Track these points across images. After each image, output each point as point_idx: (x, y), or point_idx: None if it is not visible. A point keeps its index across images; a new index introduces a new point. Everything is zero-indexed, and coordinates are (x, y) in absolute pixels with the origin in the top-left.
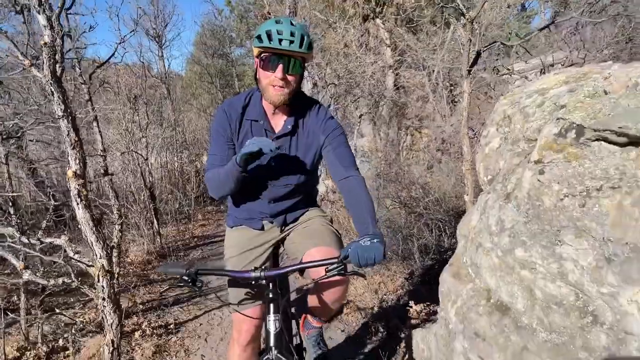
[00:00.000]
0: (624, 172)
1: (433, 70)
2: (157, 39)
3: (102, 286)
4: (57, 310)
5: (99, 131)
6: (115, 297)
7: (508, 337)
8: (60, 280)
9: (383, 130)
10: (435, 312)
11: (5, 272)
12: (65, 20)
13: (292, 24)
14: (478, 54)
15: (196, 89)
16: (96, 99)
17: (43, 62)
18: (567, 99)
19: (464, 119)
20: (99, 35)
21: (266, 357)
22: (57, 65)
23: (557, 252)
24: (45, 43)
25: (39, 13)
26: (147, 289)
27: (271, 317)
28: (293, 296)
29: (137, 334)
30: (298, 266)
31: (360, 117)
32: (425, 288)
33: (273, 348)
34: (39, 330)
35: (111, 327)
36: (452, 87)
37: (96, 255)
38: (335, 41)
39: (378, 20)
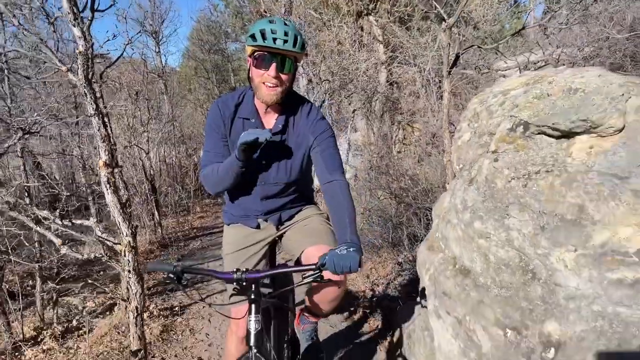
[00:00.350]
0: (556, 159)
1: (425, 67)
2: (154, 34)
3: (128, 260)
4: (67, 295)
5: (109, 126)
6: (138, 269)
7: (468, 294)
8: (92, 255)
9: (376, 124)
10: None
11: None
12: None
13: (285, 23)
14: (457, 57)
15: (192, 84)
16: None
17: (78, 68)
18: (520, 100)
19: (445, 115)
20: (101, 31)
21: (245, 356)
22: (89, 70)
23: (506, 223)
24: (80, 52)
25: (74, 26)
26: (151, 276)
27: (252, 317)
28: (295, 298)
29: (145, 315)
30: (277, 271)
31: (353, 112)
32: (413, 272)
33: (252, 347)
34: (54, 312)
35: (135, 295)
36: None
37: (123, 234)
38: (329, 39)
39: (371, 18)
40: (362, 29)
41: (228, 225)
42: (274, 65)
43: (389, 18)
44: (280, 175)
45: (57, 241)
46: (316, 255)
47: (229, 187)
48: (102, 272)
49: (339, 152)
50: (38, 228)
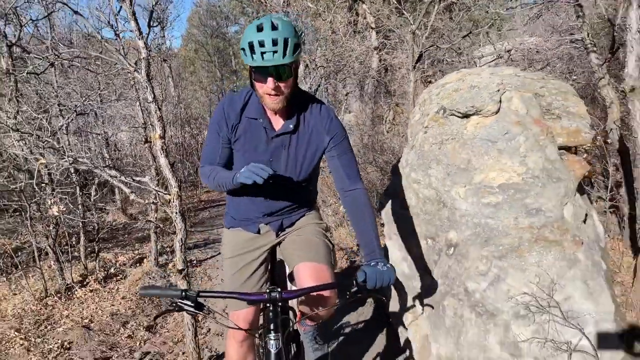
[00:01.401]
0: (458, 131)
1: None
2: (159, 20)
3: (176, 204)
4: (102, 252)
5: (141, 109)
6: (182, 211)
7: (406, 220)
8: (151, 200)
9: (369, 106)
10: None
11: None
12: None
13: (273, 26)
14: (420, 55)
15: (195, 66)
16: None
17: (142, 69)
18: (446, 91)
19: (411, 100)
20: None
21: None
22: (149, 70)
23: (428, 172)
24: (143, 57)
25: (139, 39)
26: (169, 237)
27: (271, 336)
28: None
29: (169, 265)
30: (313, 290)
31: (346, 95)
32: None
33: None
34: (97, 262)
35: (180, 230)
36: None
37: (171, 186)
38: (324, 29)
39: (364, 5)
40: (357, 14)
41: (228, 228)
42: (270, 79)
43: (382, 2)
44: (290, 175)
45: (129, 191)
46: (309, 274)
47: (228, 191)
48: (126, 235)
49: (354, 156)
50: (113, 180)
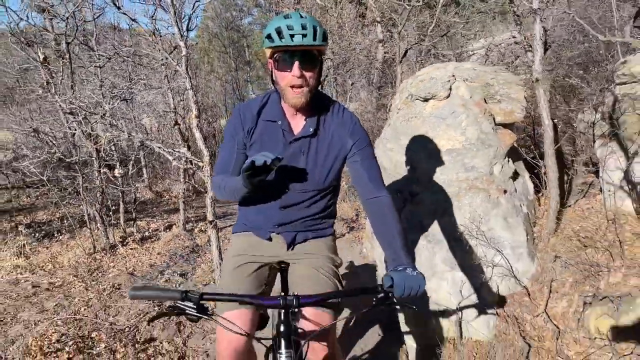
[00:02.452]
0: (420, 111)
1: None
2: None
3: (207, 169)
4: (136, 220)
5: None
6: (211, 174)
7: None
8: (188, 165)
9: (374, 95)
10: None
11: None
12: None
13: (301, 16)
14: (406, 51)
15: (210, 56)
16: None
17: (182, 64)
18: (416, 82)
19: (398, 90)
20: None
21: None
22: (187, 64)
23: (399, 143)
24: (184, 55)
25: (180, 41)
26: (193, 209)
27: (282, 352)
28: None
29: (195, 230)
30: (332, 296)
31: (352, 84)
32: None
33: None
34: (134, 226)
35: (210, 190)
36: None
37: (204, 155)
38: (331, 24)
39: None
40: (365, 8)
41: (235, 233)
42: (296, 64)
43: None
44: (309, 182)
45: (170, 157)
46: (309, 315)
47: (238, 200)
48: (154, 208)
49: (377, 161)
50: (160, 150)
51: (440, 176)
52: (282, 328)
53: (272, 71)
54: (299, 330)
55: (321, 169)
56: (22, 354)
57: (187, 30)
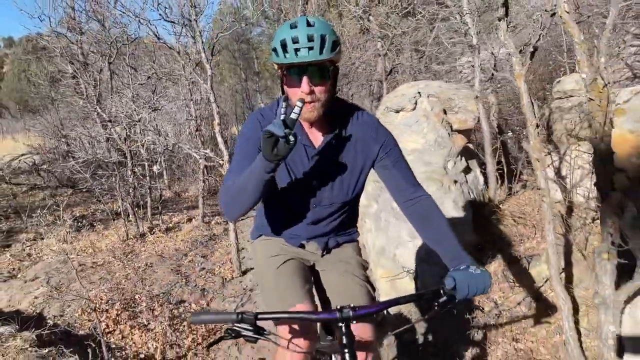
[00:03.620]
0: (392, 120)
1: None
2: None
3: (226, 167)
4: (162, 213)
5: (194, 107)
6: None
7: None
8: (209, 162)
9: (374, 104)
10: None
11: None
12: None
13: (309, 24)
14: (392, 69)
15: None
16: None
17: (207, 81)
18: (393, 97)
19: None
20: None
21: None
22: (212, 81)
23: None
24: (209, 75)
25: (206, 63)
26: (210, 206)
27: None
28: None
29: (212, 222)
30: (393, 304)
31: (352, 96)
32: None
33: None
34: (160, 218)
35: None
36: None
37: (224, 154)
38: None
39: (371, 17)
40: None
41: (258, 238)
42: (305, 79)
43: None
44: (336, 195)
45: (198, 156)
46: (358, 325)
47: (249, 203)
48: (175, 205)
49: (408, 162)
50: (191, 151)
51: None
52: (344, 341)
53: (282, 84)
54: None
55: (348, 180)
56: (80, 311)
57: (212, 55)
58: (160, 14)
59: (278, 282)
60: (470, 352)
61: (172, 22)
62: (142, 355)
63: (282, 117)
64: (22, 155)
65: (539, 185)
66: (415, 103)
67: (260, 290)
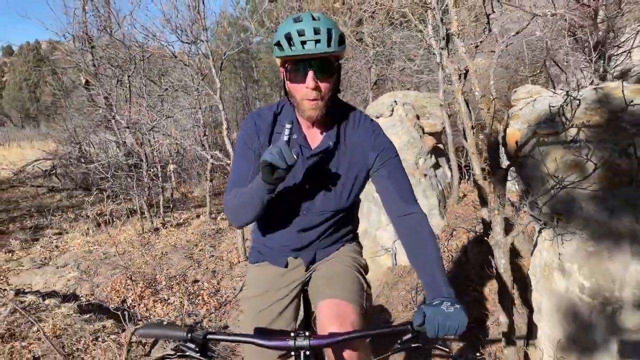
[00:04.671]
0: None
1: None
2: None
3: None
4: (174, 211)
5: (202, 115)
6: None
7: None
8: (216, 162)
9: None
10: None
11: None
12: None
13: (314, 18)
14: (376, 80)
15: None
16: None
17: (217, 93)
18: (374, 105)
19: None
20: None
21: None
22: (221, 92)
23: None
24: (219, 87)
25: (216, 77)
26: (215, 205)
27: None
28: None
29: (218, 218)
30: (352, 335)
31: (347, 102)
32: None
33: None
34: (172, 214)
35: None
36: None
37: (232, 155)
38: None
39: (364, 29)
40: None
41: (253, 264)
42: (310, 74)
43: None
44: (329, 203)
45: (208, 156)
46: (329, 315)
47: (255, 217)
48: (183, 205)
49: (407, 175)
50: (203, 152)
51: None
52: None
53: (284, 81)
54: None
55: (342, 187)
56: (109, 289)
57: (220, 70)
58: (177, 37)
59: (256, 305)
60: None
61: (187, 43)
62: (165, 322)
63: (285, 140)
64: (36, 160)
65: (473, 172)
66: (392, 110)
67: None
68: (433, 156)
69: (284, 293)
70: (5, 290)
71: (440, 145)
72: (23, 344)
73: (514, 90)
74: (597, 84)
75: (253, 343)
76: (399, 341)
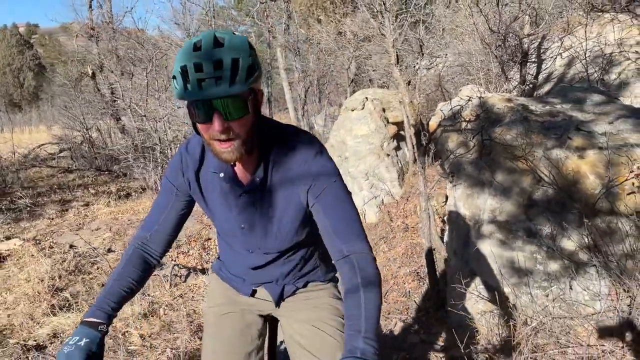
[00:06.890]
0: (349, 116)
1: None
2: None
3: None
4: None
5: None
6: None
7: (331, 153)
8: None
9: None
10: None
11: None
12: None
13: (217, 41)
14: (353, 79)
15: None
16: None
17: None
18: (351, 100)
19: (344, 105)
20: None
21: None
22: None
23: (340, 131)
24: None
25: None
26: None
27: None
28: None
29: None
30: None
31: (329, 94)
32: None
33: None
34: None
35: None
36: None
37: None
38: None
39: (348, 21)
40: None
41: (215, 272)
42: (216, 117)
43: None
44: (269, 244)
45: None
46: None
47: None
48: None
49: (351, 203)
50: None
51: (357, 147)
52: None
53: (192, 118)
54: None
55: (278, 227)
56: None
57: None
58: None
59: (215, 338)
60: None
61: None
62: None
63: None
64: (42, 144)
65: (416, 153)
66: (364, 105)
67: (203, 339)
68: (395, 140)
69: (249, 318)
70: (62, 244)
71: (402, 132)
72: (90, 277)
73: (460, 89)
74: (506, 89)
75: None
76: None
